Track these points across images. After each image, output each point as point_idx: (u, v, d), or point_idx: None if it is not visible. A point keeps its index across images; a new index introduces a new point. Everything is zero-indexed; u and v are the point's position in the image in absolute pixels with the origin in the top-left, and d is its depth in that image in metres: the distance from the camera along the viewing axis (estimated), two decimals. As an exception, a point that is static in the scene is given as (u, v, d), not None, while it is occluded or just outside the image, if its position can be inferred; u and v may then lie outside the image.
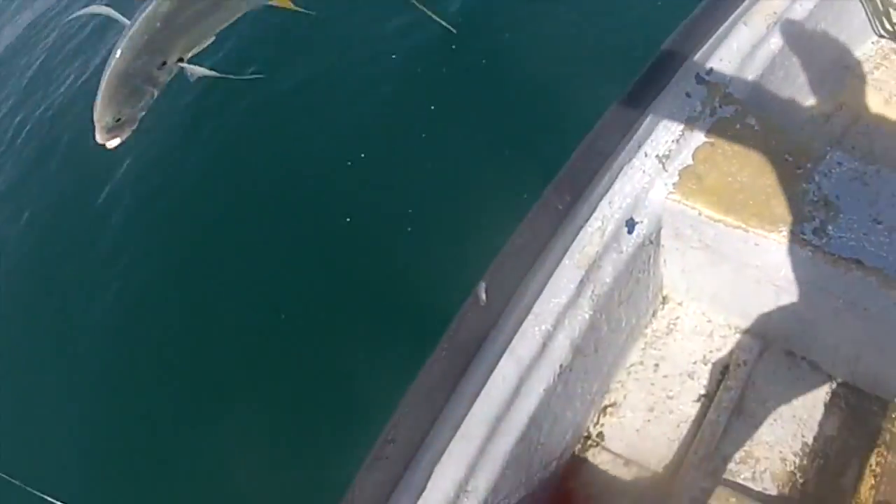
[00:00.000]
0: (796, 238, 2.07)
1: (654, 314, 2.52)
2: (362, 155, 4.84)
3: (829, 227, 2.08)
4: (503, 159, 4.43)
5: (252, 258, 4.60)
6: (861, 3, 2.82)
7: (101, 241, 5.39)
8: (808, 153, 2.24)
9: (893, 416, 2.25)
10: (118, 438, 4.16)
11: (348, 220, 4.51)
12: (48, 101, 7.42)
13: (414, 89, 5.19)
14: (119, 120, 1.18)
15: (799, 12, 2.62)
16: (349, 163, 4.83)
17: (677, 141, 2.28)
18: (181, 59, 1.18)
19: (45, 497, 2.10)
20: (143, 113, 1.20)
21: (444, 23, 1.43)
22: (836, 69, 2.85)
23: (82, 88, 7.27)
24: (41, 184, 6.59)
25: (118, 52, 1.14)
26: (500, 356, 1.99)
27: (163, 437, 4.01)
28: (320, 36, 5.97)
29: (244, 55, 6.01)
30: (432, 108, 5.03)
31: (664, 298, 2.54)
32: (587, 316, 2.12)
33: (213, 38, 1.22)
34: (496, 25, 5.52)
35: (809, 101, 2.76)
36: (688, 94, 2.36)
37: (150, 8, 1.12)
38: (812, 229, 2.09)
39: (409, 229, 4.33)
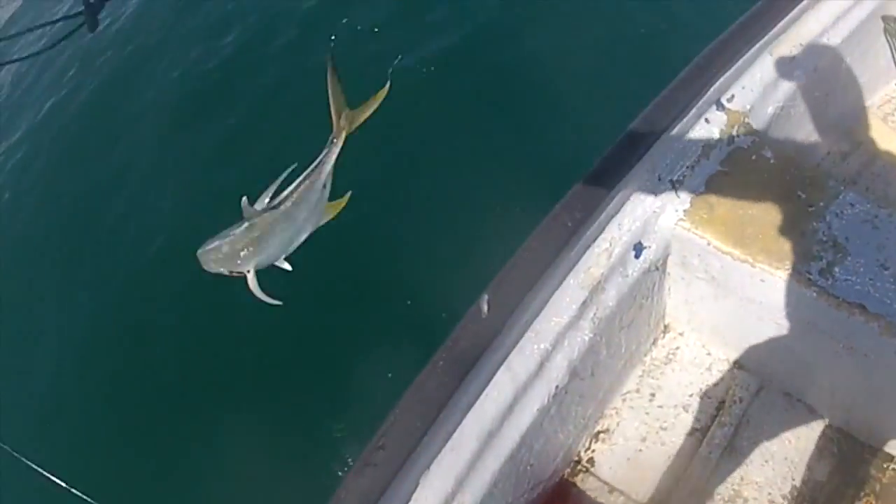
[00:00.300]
0: (802, 278, 2.22)
1: (654, 342, 2.68)
2: (369, 161, 5.04)
3: (836, 269, 2.23)
4: (514, 170, 4.61)
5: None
6: (888, 44, 3.01)
7: (114, 201, 5.66)
8: (822, 191, 2.40)
9: (885, 465, 2.43)
10: (117, 420, 4.48)
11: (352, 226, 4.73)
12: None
13: (423, 98, 5.41)
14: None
15: (824, 48, 2.80)
16: (355, 168, 5.02)
17: (692, 167, 2.45)
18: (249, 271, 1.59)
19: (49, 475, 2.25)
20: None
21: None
22: (856, 108, 3.05)
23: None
24: (59, 132, 6.88)
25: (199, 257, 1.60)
26: (496, 371, 2.13)
27: (162, 429, 4.27)
28: (340, 37, 6.26)
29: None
30: (442, 115, 5.26)
31: (665, 327, 2.71)
32: (587, 338, 2.27)
33: (279, 260, 1.63)
34: (514, 34, 5.76)
35: (827, 137, 2.94)
36: (707, 120, 2.53)
37: (214, 244, 1.55)
38: (818, 270, 2.23)
39: (413, 238, 4.51)
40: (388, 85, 1.70)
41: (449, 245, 4.38)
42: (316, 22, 6.55)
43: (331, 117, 1.62)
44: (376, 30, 6.19)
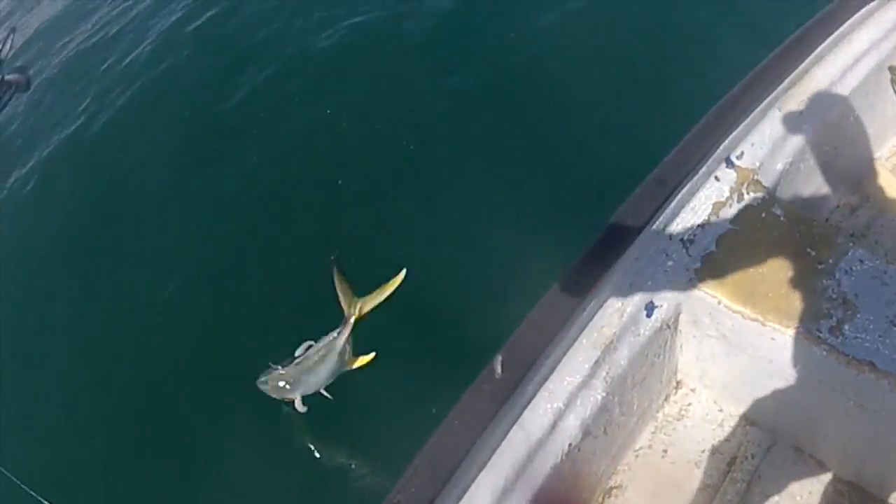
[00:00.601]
0: (812, 336, 2.30)
1: (666, 398, 2.75)
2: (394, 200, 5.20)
3: (846, 327, 2.30)
4: (534, 207, 4.74)
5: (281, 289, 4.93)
6: (895, 94, 3.10)
7: (127, 237, 5.87)
8: (831, 248, 2.48)
9: (896, 519, 2.49)
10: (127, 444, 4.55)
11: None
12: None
13: (442, 131, 5.55)
14: None
15: (832, 101, 2.90)
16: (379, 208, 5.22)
17: (703, 226, 2.54)
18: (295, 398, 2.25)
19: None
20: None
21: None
22: (865, 160, 3.13)
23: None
24: (72, 163, 7.12)
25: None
26: (510, 429, 2.21)
27: (171, 461, 4.34)
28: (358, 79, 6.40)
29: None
30: (469, 154, 5.41)
31: (678, 383, 2.78)
32: (600, 397, 2.34)
33: (317, 391, 2.27)
34: (531, 72, 5.91)
35: (836, 191, 3.03)
36: (717, 178, 2.62)
37: (262, 380, 2.27)
38: (828, 328, 2.31)
39: (432, 267, 4.61)
40: (402, 274, 2.04)
41: (471, 277, 4.49)
42: (332, 62, 6.69)
43: (341, 306, 1.95)
44: (393, 71, 6.33)
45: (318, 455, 4.01)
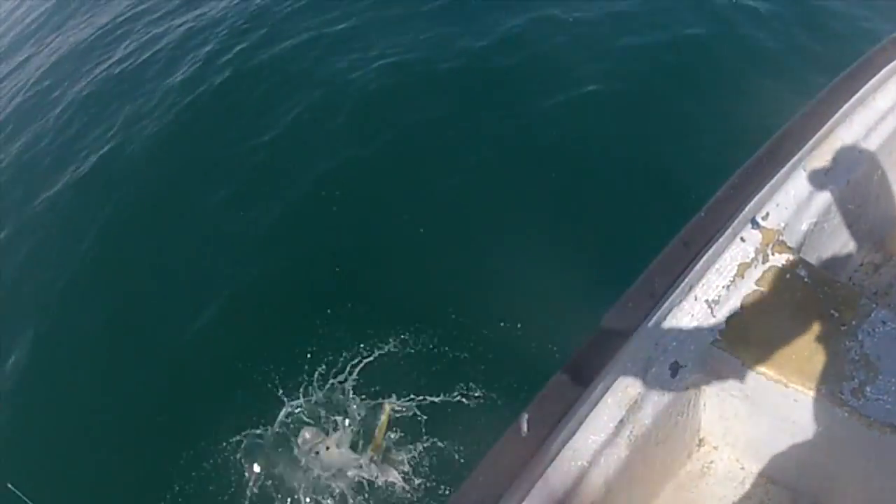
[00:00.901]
0: (834, 398, 2.35)
1: (689, 455, 2.79)
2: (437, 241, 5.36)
3: (868, 389, 2.35)
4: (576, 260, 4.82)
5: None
6: (920, 153, 3.15)
7: (159, 267, 5.99)
8: (854, 309, 2.53)
9: (916, 580, 2.52)
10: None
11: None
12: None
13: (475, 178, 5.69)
14: None
15: (857, 160, 2.95)
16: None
17: (728, 287, 2.59)
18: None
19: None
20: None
21: None
22: (888, 218, 3.17)
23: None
24: (99, 190, 7.23)
25: None
26: (534, 486, 2.26)
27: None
28: (392, 118, 6.56)
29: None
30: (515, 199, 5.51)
31: (700, 441, 2.82)
32: (623, 455, 2.39)
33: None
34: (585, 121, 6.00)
35: (860, 250, 3.07)
36: (742, 239, 2.68)
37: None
38: (850, 389, 2.36)
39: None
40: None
41: (503, 321, 4.60)
42: (366, 102, 6.83)
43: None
44: (427, 112, 6.46)
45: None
